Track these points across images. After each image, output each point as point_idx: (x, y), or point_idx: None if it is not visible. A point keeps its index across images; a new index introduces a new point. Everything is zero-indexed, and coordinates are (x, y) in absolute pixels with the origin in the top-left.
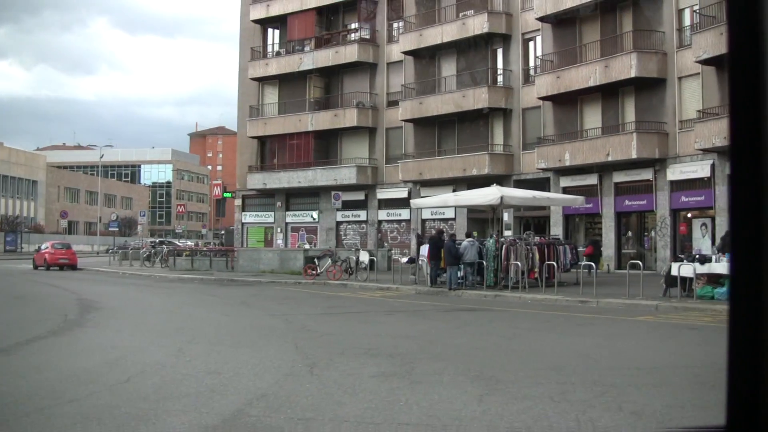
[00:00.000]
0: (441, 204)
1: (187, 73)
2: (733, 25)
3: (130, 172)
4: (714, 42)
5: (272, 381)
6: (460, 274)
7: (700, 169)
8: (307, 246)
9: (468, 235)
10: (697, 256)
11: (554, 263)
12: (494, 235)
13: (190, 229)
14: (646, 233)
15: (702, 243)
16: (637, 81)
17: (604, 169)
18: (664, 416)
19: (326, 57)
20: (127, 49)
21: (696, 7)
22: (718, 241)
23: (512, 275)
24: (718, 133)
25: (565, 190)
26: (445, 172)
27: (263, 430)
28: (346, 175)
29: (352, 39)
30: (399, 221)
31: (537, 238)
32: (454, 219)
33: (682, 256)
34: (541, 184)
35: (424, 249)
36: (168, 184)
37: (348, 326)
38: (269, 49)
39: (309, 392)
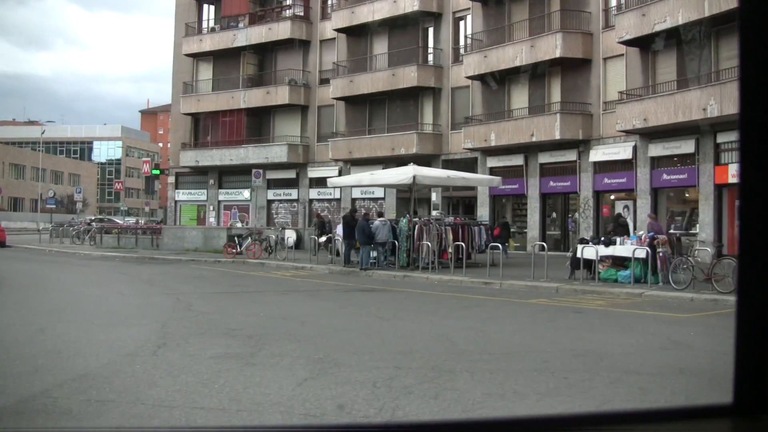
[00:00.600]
0: (356, 183)
1: (143, 50)
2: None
3: (80, 149)
4: (636, 23)
5: (105, 361)
6: (374, 254)
7: (623, 151)
8: (239, 224)
9: (380, 215)
10: (602, 239)
11: (462, 244)
12: (407, 215)
13: (137, 207)
14: (570, 215)
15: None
16: (564, 61)
17: (530, 150)
18: (475, 405)
19: (259, 34)
20: (83, 24)
21: None
22: (638, 225)
23: (424, 256)
24: (638, 114)
25: (492, 171)
26: (374, 151)
27: (53, 413)
28: (277, 153)
29: (286, 16)
30: (330, 200)
31: (450, 219)
32: (383, 198)
33: (587, 238)
34: (469, 165)
35: (341, 229)
36: (118, 162)
37: (233, 306)
38: (204, 25)
39: (132, 373)
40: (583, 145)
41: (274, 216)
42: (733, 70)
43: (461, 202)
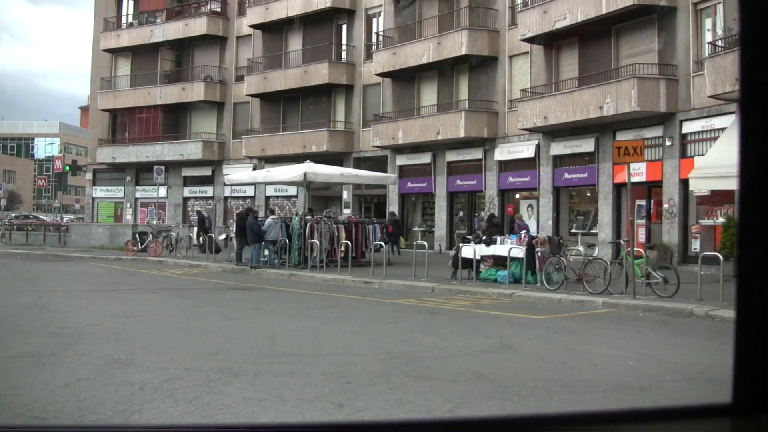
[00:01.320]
0: (250, 180)
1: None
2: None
3: (17, 145)
4: (538, 20)
5: None
6: (267, 252)
7: (526, 150)
8: (155, 222)
9: (271, 212)
10: (483, 238)
11: (348, 242)
12: (298, 213)
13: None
14: (476, 214)
15: (528, 224)
16: (470, 59)
17: (438, 148)
18: (223, 409)
19: (176, 29)
20: (30, 19)
21: None
22: (540, 224)
23: (315, 254)
24: (539, 113)
25: (402, 169)
26: (287, 149)
27: None
28: (192, 150)
29: (203, 12)
30: (244, 198)
31: (344, 217)
32: (296, 196)
33: (470, 237)
34: (380, 162)
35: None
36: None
37: (89, 304)
38: (123, 20)
39: None
40: (488, 143)
41: (190, 214)
42: (629, 68)
43: (373, 201)
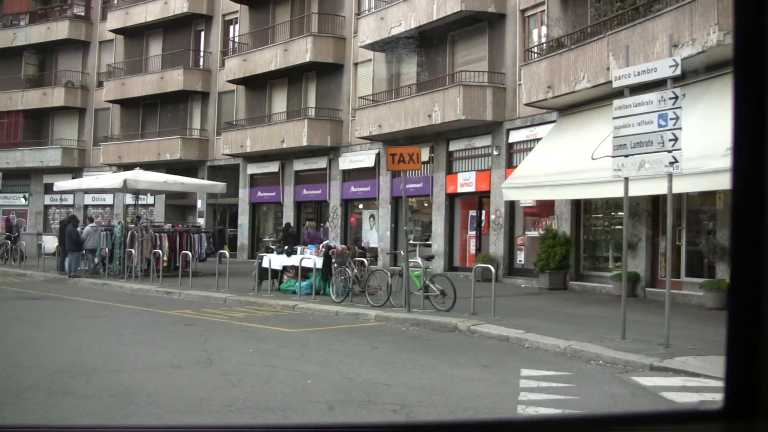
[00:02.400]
0: (76, 187)
1: None
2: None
3: None
4: (375, 27)
5: None
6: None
7: (367, 159)
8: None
9: (90, 220)
10: (285, 248)
11: (158, 252)
12: (121, 222)
13: None
14: (322, 224)
15: (370, 234)
16: (318, 66)
17: (286, 156)
18: None
19: (39, 33)
20: None
21: None
22: (380, 235)
23: (135, 264)
24: (374, 121)
25: (252, 177)
26: (142, 156)
27: None
28: (52, 156)
29: (66, 15)
30: (104, 206)
31: (169, 225)
32: (153, 205)
33: (273, 247)
34: (233, 171)
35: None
36: None
37: None
38: None
39: None
40: (333, 152)
41: (51, 222)
42: (456, 75)
43: (228, 210)
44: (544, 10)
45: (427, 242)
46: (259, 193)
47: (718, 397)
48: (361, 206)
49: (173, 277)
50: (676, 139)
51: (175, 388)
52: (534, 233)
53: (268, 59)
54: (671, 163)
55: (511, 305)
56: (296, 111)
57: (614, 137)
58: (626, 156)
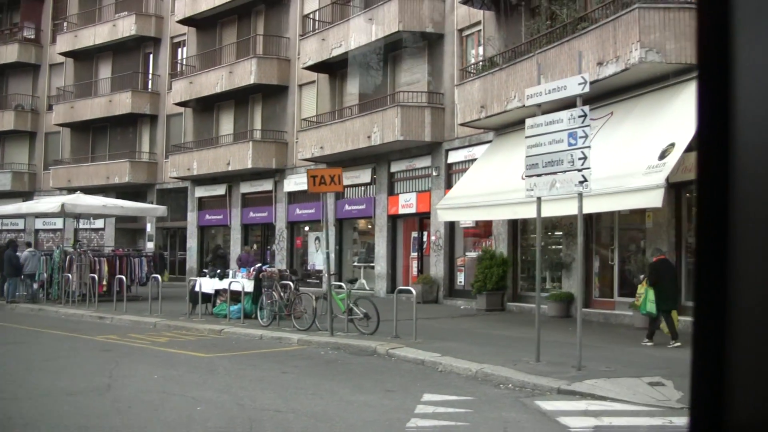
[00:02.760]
0: (15, 212)
1: None
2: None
3: None
4: (317, 48)
5: None
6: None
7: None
8: None
9: (28, 245)
10: (218, 271)
11: (93, 277)
12: (60, 246)
13: None
14: (268, 247)
15: (316, 257)
16: (264, 88)
17: (233, 179)
18: None
19: None
20: None
21: (315, 14)
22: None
23: (74, 288)
24: (316, 142)
25: (201, 200)
26: (91, 180)
27: None
28: (2, 181)
29: (16, 38)
30: (54, 230)
31: (108, 249)
32: (104, 229)
33: (206, 270)
34: (181, 194)
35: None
36: None
37: None
38: None
39: None
40: (279, 174)
41: None
42: (395, 96)
43: (178, 233)
44: (480, 30)
45: (371, 264)
46: (207, 216)
47: (616, 421)
48: (307, 228)
49: (110, 302)
50: (585, 158)
51: (58, 415)
52: (474, 254)
53: (213, 81)
54: (581, 182)
55: (440, 327)
56: (243, 133)
57: (527, 156)
58: (538, 175)
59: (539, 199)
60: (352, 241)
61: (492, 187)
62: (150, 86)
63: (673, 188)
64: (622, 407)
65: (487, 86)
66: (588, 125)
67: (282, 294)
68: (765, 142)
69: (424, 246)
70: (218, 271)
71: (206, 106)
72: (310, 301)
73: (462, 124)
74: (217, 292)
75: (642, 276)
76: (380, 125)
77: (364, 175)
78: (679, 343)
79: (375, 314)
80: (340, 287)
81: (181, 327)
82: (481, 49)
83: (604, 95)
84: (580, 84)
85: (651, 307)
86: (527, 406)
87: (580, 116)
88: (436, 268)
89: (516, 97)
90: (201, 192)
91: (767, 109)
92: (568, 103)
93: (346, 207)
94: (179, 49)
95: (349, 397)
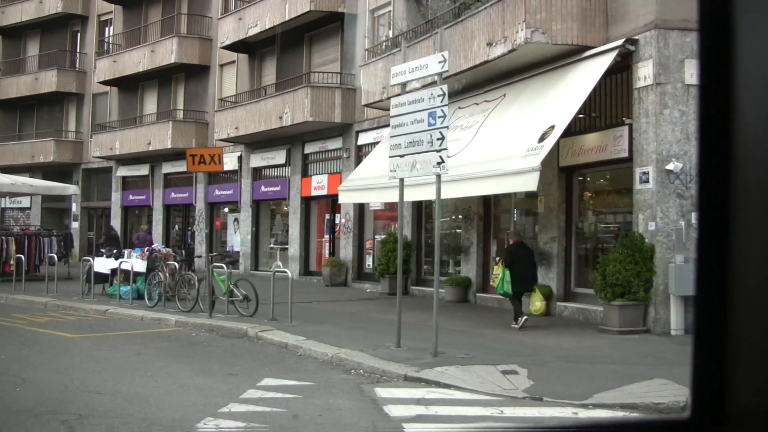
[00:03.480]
0: None
1: None
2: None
3: None
4: (234, 27)
5: None
6: None
7: (229, 162)
8: None
9: None
10: (114, 251)
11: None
12: None
13: None
14: (189, 228)
15: (234, 239)
16: (186, 67)
17: (156, 159)
18: None
19: None
20: None
21: None
22: (240, 239)
23: None
24: (231, 123)
25: (124, 180)
26: (17, 159)
27: None
28: None
29: None
30: None
31: (17, 229)
32: (30, 209)
33: (103, 250)
34: (106, 174)
35: None
36: None
37: None
38: None
39: None
40: None
41: None
42: (306, 77)
43: (104, 213)
44: (390, 10)
45: (287, 246)
46: (131, 197)
47: (444, 410)
48: (226, 209)
49: (11, 282)
50: (443, 138)
51: None
52: (382, 237)
53: (136, 60)
54: (438, 164)
55: (328, 311)
56: (165, 113)
57: (391, 137)
58: (401, 156)
59: (402, 181)
60: (269, 223)
61: (386, 169)
62: (78, 65)
63: (564, 172)
64: (462, 396)
65: (389, 67)
66: (446, 104)
67: (167, 275)
68: (765, 140)
69: (336, 229)
70: (114, 251)
71: (131, 86)
72: (194, 282)
73: (366, 105)
74: (114, 272)
75: (498, 258)
76: (291, 106)
77: (279, 157)
78: (525, 318)
79: (255, 296)
80: (221, 267)
81: (69, 307)
82: (391, 31)
83: (500, 77)
84: (440, 62)
85: (507, 287)
86: (363, 393)
87: (439, 95)
88: (346, 251)
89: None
90: (124, 172)
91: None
92: (471, 84)
93: (263, 188)
94: (107, 28)
95: (187, 380)
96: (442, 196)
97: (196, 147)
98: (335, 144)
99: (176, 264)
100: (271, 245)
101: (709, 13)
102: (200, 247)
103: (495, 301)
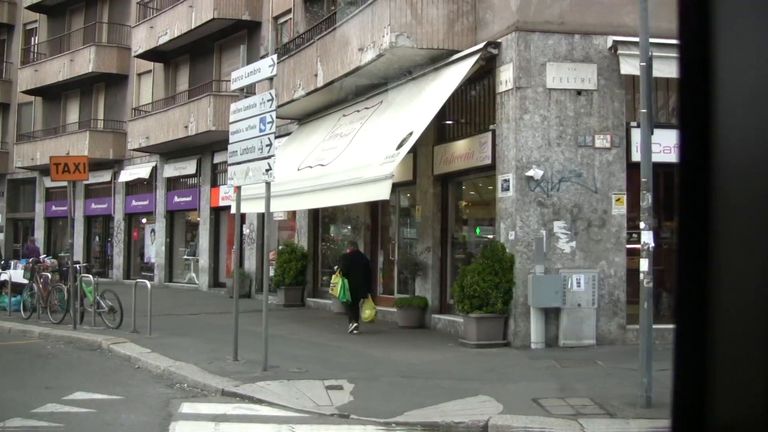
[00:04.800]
0: None
1: None
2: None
3: None
4: (146, 36)
5: None
6: None
7: (144, 172)
8: None
9: None
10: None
11: None
12: None
13: None
14: (109, 239)
15: (151, 249)
16: (105, 77)
17: None
18: None
19: None
20: None
21: (151, 2)
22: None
23: None
24: (143, 132)
25: (49, 191)
26: None
27: None
28: None
29: None
30: None
31: None
32: None
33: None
34: (31, 184)
35: None
36: None
37: None
38: None
39: None
40: (117, 165)
41: None
42: (208, 85)
43: (30, 224)
44: (291, 18)
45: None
46: (54, 207)
47: (234, 428)
48: (144, 220)
49: None
50: (270, 145)
51: None
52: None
53: (57, 70)
54: (267, 171)
55: (204, 323)
56: (86, 122)
57: (230, 144)
58: (238, 163)
59: (239, 188)
60: (184, 234)
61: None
62: (3, 74)
63: (439, 180)
64: (268, 412)
65: (280, 74)
66: (273, 110)
67: (40, 286)
68: (746, 138)
69: (244, 239)
70: (1, 262)
71: (54, 95)
72: (63, 293)
73: None
74: (4, 283)
75: (336, 267)
76: (196, 115)
77: (190, 167)
78: (356, 325)
79: (119, 308)
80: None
81: None
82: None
83: (383, 83)
84: (270, 66)
85: (348, 295)
86: (165, 409)
87: (268, 100)
88: (250, 262)
89: (301, 85)
90: (48, 182)
91: (748, 104)
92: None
93: (176, 198)
94: (32, 37)
95: None
96: (303, 207)
97: (114, 157)
98: None
99: (48, 275)
100: (185, 256)
101: (689, 17)
102: (118, 258)
103: (379, 314)
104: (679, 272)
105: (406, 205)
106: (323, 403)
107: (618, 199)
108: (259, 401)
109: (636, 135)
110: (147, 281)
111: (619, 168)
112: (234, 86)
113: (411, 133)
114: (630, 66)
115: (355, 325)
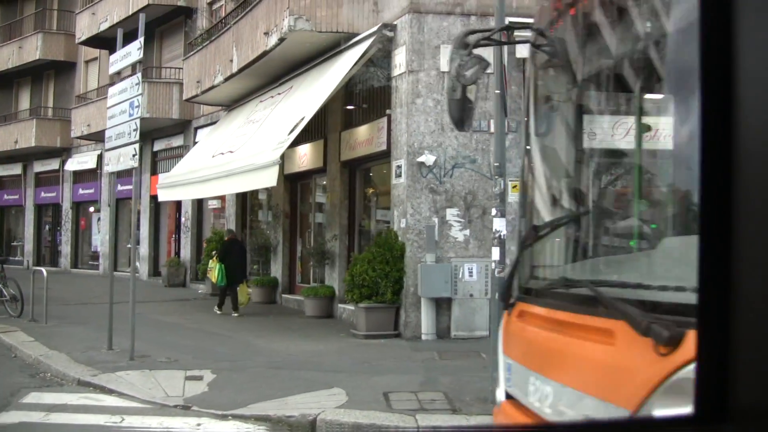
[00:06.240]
0: None
1: None
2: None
3: None
4: (89, 23)
5: None
6: None
7: (90, 160)
8: None
9: None
10: None
11: None
12: None
13: None
14: (58, 228)
15: (98, 238)
16: (55, 64)
17: (28, 158)
18: None
19: None
20: None
21: None
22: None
23: None
24: (85, 120)
25: (1, 180)
26: None
27: None
28: None
29: None
30: None
31: None
32: None
33: None
34: None
35: None
36: None
37: None
38: None
39: None
40: (65, 153)
41: None
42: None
43: None
44: (223, 4)
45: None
46: (5, 196)
47: (64, 418)
48: (92, 209)
49: None
50: (137, 129)
51: None
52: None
53: (6, 57)
54: (134, 156)
55: (107, 311)
56: (35, 110)
57: (107, 129)
58: (113, 149)
59: (113, 174)
60: (128, 222)
61: (193, 165)
62: None
63: (347, 167)
64: (111, 403)
65: (202, 60)
66: (140, 94)
67: None
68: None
69: (180, 228)
70: None
71: (6, 83)
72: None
73: (186, 100)
74: None
75: (214, 252)
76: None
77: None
78: (237, 314)
79: (20, 296)
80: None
81: None
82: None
83: (292, 68)
84: (138, 49)
85: (223, 279)
86: (13, 398)
87: (136, 84)
88: (185, 250)
89: (219, 71)
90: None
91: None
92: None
93: (120, 187)
94: None
95: None
96: (202, 195)
97: (61, 145)
98: (178, 141)
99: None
100: (129, 245)
101: (710, 10)
102: (66, 247)
103: (295, 303)
104: (702, 256)
105: (321, 193)
106: (174, 394)
107: (514, 186)
108: (110, 391)
109: None
110: (44, 269)
111: (516, 154)
112: (111, 70)
113: (303, 118)
114: (525, 49)
115: (235, 314)
